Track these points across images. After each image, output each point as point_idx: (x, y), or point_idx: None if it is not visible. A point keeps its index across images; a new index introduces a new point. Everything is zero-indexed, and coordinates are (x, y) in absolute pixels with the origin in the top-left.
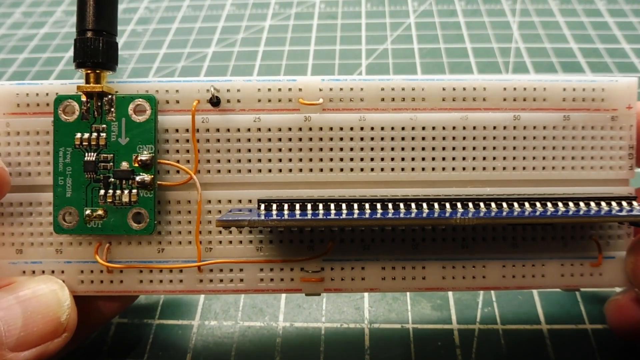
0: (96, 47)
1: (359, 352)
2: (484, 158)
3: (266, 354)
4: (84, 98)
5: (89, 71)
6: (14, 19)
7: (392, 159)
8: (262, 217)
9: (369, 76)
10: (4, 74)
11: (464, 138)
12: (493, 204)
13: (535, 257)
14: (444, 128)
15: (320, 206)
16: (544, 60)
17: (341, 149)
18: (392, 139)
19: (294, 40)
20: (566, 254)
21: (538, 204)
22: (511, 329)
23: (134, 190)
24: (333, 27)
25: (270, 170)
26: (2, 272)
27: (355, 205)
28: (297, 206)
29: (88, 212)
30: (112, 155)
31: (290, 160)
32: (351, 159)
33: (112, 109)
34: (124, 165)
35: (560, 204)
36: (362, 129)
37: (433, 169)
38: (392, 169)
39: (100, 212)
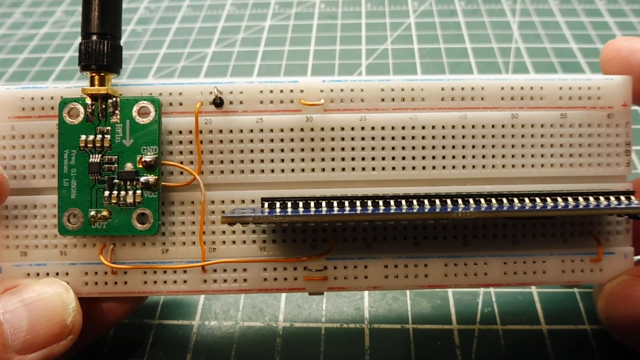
0: (101, 50)
1: (359, 352)
2: (483, 156)
3: (266, 354)
4: (88, 100)
5: (93, 74)
6: (14, 19)
7: (393, 158)
8: (267, 214)
9: (369, 77)
10: (4, 74)
11: (463, 137)
12: (493, 200)
13: (536, 253)
14: (443, 127)
15: (323, 204)
16: (544, 61)
17: (342, 149)
18: (393, 138)
19: (294, 40)
20: (566, 250)
21: (538, 200)
22: (511, 329)
23: (138, 191)
24: (333, 27)
25: (272, 171)
26: (6, 274)
27: (358, 203)
28: (300, 204)
29: (93, 213)
30: (116, 156)
31: (292, 160)
32: (352, 159)
33: (117, 111)
34: (128, 166)
35: (559, 199)
36: (362, 128)
37: (433, 167)
38: (393, 168)
39: (104, 213)
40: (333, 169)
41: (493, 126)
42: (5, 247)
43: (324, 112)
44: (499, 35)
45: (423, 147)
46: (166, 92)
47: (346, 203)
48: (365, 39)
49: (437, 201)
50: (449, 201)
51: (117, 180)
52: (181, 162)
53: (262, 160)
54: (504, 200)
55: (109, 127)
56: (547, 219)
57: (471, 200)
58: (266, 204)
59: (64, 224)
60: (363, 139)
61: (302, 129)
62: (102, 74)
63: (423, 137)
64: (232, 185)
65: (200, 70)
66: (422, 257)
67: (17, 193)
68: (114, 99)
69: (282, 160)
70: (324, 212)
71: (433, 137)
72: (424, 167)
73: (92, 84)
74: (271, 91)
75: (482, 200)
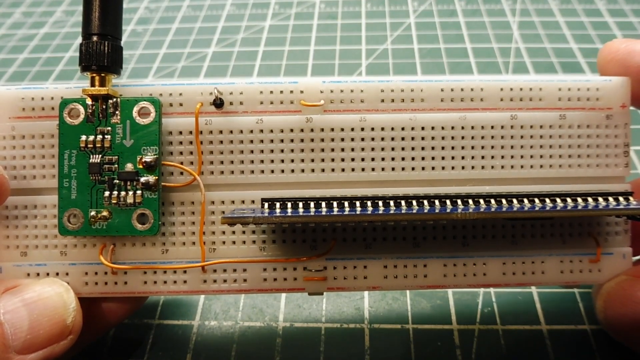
0: (102, 51)
1: (359, 352)
2: (483, 157)
3: (266, 354)
4: (89, 101)
5: (94, 74)
6: (14, 19)
7: (393, 159)
8: (267, 214)
9: (369, 77)
10: (4, 74)
11: (463, 138)
12: (492, 201)
13: (535, 254)
14: (443, 128)
15: (323, 204)
16: (544, 61)
17: (342, 150)
18: (392, 139)
19: (294, 41)
20: (565, 251)
21: (537, 200)
22: (511, 329)
23: (139, 192)
24: (333, 27)
25: (272, 171)
26: (6, 274)
27: (358, 203)
28: (300, 204)
29: (93, 213)
30: (116, 157)
31: (292, 161)
32: (352, 159)
33: (117, 112)
34: (129, 166)
35: (558, 199)
36: (362, 129)
37: (433, 168)
38: (393, 169)
39: (105, 213)
40: (333, 170)
41: (492, 127)
42: (5, 247)
43: (323, 112)
44: (499, 35)
45: (423, 148)
46: (166, 92)
47: (346, 204)
48: (365, 39)
49: (437, 202)
50: (448, 202)
51: (118, 181)
52: (181, 163)
53: (262, 161)
54: (503, 201)
55: (109, 128)
56: (546, 219)
57: (470, 201)
58: (266, 205)
59: (64, 224)
60: (363, 139)
61: (302, 130)
62: (102, 75)
63: (423, 138)
64: (232, 186)
65: (200, 71)
66: (422, 257)
67: (18, 193)
68: (115, 99)
69: (282, 161)
70: (323, 213)
71: (433, 138)
72: (423, 168)
73: (92, 85)
74: (271, 92)
75: (482, 201)
